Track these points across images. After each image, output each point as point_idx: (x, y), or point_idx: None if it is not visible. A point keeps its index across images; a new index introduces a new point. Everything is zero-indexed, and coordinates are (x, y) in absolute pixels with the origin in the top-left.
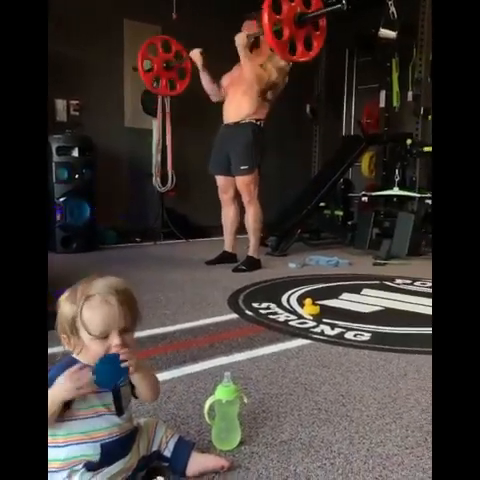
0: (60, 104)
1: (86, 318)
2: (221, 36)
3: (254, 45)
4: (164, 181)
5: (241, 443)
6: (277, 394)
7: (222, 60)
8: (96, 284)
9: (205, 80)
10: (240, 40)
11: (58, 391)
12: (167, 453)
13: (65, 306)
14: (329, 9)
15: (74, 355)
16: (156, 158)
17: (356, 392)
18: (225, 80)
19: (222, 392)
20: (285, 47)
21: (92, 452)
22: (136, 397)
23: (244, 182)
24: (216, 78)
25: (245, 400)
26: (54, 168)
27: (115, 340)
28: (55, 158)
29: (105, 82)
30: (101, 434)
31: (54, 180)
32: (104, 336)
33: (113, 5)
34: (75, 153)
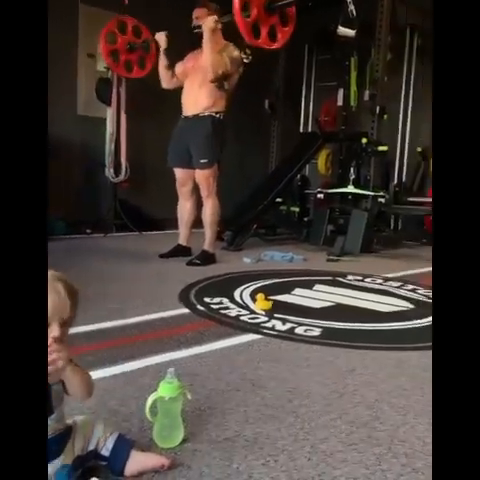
0: None
1: None
2: (175, 22)
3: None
4: (118, 172)
5: (184, 441)
6: (224, 390)
7: (176, 46)
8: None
9: (162, 64)
10: (209, 24)
11: None
12: (105, 452)
13: None
14: None
15: None
16: (109, 148)
17: (304, 388)
18: (179, 68)
19: (165, 389)
20: (250, 28)
21: None
22: (68, 393)
23: (204, 175)
24: (172, 65)
25: (189, 396)
26: None
27: (54, 331)
28: None
29: (58, 69)
30: None
31: None
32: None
33: None
34: None
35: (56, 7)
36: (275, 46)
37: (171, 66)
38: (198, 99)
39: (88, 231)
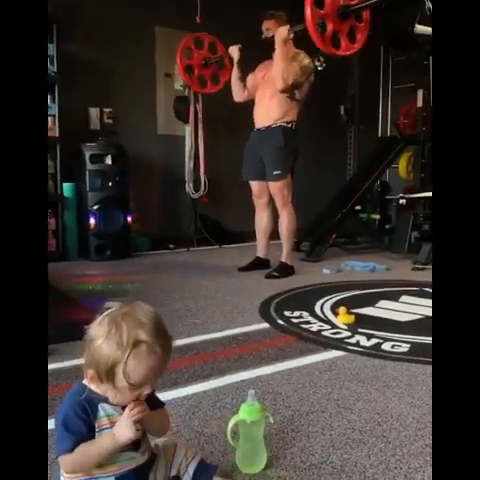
0: (93, 112)
1: (131, 368)
2: (248, 36)
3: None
4: (197, 187)
5: (267, 466)
6: (308, 411)
7: (248, 60)
8: (144, 326)
9: (235, 76)
10: (282, 34)
11: (123, 435)
12: (187, 478)
13: (106, 346)
14: (372, 1)
15: (86, 382)
16: (189, 164)
17: (393, 410)
18: (249, 80)
19: (246, 411)
20: (329, 42)
21: None
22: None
23: (277, 187)
24: (244, 78)
25: (271, 420)
26: (88, 176)
27: (147, 391)
28: (89, 166)
29: (138, 90)
30: (115, 467)
31: (88, 188)
32: (140, 385)
33: (145, 13)
34: (108, 161)
35: (134, 31)
36: (356, 47)
37: (243, 78)
38: (269, 111)
39: (171, 246)
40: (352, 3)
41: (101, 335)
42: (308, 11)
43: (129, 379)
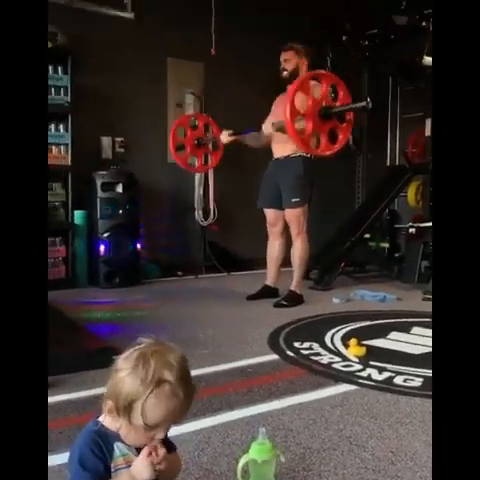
0: (106, 141)
1: (149, 407)
2: (263, 65)
3: (292, 77)
4: (206, 215)
5: None
6: (319, 449)
7: (266, 89)
8: (171, 367)
9: (248, 144)
10: (268, 131)
11: (141, 476)
12: None
13: (130, 380)
14: (354, 106)
15: (101, 419)
16: (198, 192)
17: (407, 448)
18: (267, 127)
19: (257, 451)
20: (307, 142)
21: None
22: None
23: (294, 215)
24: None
25: (282, 459)
26: (99, 204)
27: (161, 434)
28: (100, 194)
29: (149, 119)
30: None
31: (99, 216)
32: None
33: (156, 44)
34: (119, 189)
35: (146, 62)
36: (335, 148)
37: (257, 140)
38: (288, 141)
39: (179, 273)
40: (334, 105)
41: (127, 368)
42: (288, 110)
43: (146, 419)
